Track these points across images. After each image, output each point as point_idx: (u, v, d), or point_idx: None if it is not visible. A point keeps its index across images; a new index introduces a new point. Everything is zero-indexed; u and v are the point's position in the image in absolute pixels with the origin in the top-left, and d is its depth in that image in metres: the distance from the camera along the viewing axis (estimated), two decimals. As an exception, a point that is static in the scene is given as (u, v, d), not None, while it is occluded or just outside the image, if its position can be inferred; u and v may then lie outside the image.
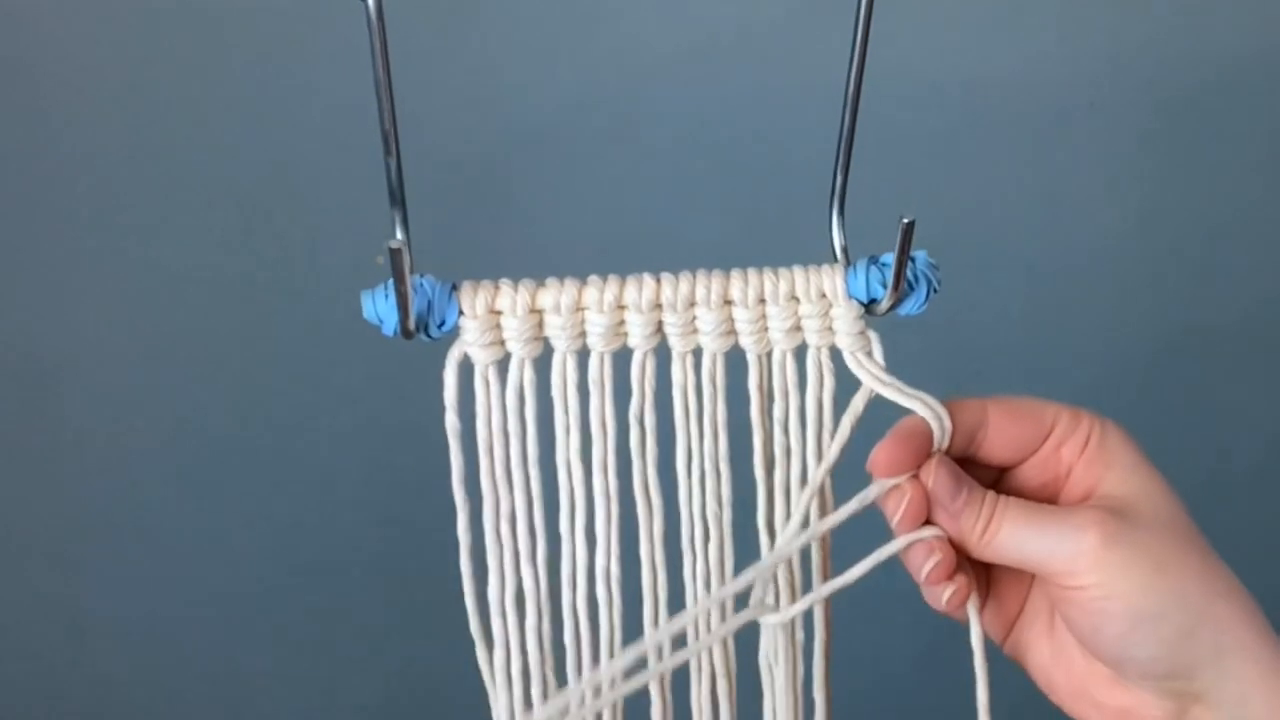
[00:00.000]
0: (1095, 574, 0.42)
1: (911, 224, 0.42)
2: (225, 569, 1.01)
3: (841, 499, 0.47)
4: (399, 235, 0.43)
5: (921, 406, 0.44)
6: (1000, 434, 0.45)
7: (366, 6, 0.41)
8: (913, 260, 0.44)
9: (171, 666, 1.04)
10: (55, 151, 0.89)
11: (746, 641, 0.48)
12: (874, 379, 0.45)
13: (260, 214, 0.92)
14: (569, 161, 0.92)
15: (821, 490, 0.47)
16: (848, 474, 0.47)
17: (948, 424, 0.44)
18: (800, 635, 0.47)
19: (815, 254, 0.46)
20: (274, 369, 0.96)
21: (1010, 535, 0.43)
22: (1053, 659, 0.47)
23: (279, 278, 0.94)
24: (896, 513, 0.44)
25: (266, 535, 1.01)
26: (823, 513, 0.46)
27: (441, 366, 0.45)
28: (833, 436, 0.46)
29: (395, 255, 0.41)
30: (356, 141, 0.82)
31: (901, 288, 0.44)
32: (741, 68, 0.91)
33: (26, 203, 0.90)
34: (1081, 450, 0.45)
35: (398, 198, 0.44)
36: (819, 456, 0.46)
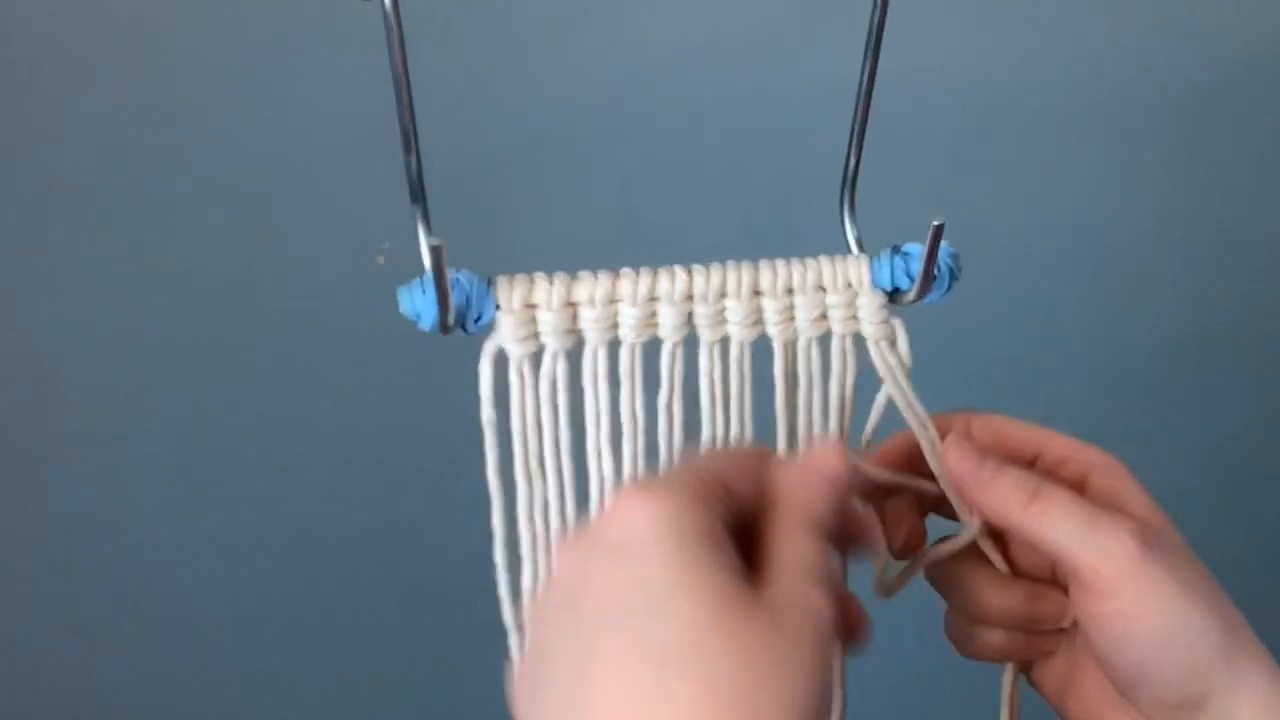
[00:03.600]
0: (1130, 584, 0.41)
1: (941, 226, 0.44)
2: (226, 569, 1.01)
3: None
4: (421, 232, 0.44)
5: (916, 424, 0.46)
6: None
7: (383, 4, 0.41)
8: (935, 252, 0.45)
9: (172, 667, 1.04)
10: (55, 151, 0.89)
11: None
12: (890, 375, 0.46)
13: (260, 213, 0.92)
14: (573, 161, 0.93)
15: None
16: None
17: (938, 443, 0.46)
18: None
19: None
20: (274, 368, 0.96)
21: (1061, 517, 0.43)
22: (1064, 682, 0.47)
23: (280, 277, 0.94)
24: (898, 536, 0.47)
25: (267, 535, 1.01)
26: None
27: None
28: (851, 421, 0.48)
29: (436, 252, 0.42)
30: (359, 140, 0.82)
31: (928, 284, 0.45)
32: (749, 67, 0.91)
33: (25, 202, 0.90)
34: (1080, 480, 0.45)
35: (419, 194, 0.44)
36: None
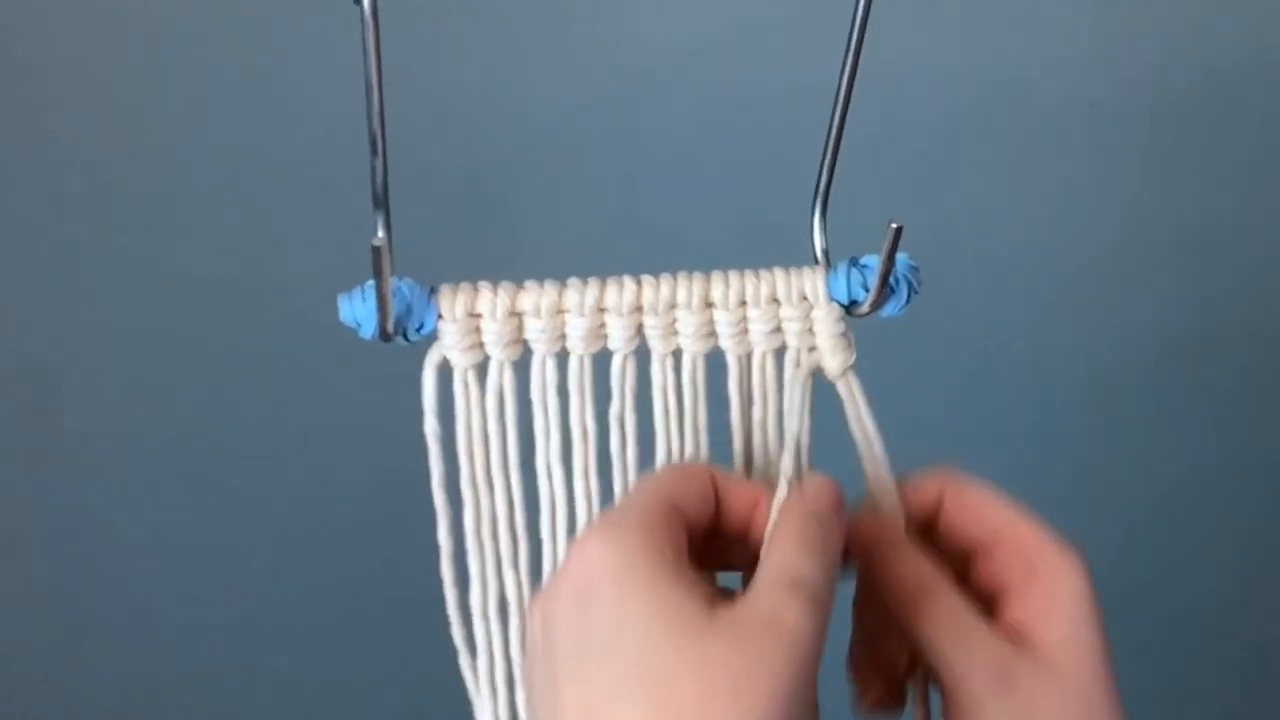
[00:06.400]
0: (973, 714, 0.40)
1: (900, 229, 0.42)
2: (225, 568, 1.01)
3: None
4: (381, 236, 0.43)
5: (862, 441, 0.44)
6: (950, 528, 0.44)
7: (362, 7, 0.41)
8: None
9: (172, 667, 1.04)
10: (54, 152, 0.89)
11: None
12: (851, 398, 0.44)
13: (260, 214, 0.92)
14: (566, 163, 0.92)
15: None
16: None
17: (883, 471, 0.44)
18: None
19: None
20: (274, 369, 0.96)
21: (931, 631, 0.41)
22: None
23: (280, 278, 0.93)
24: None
25: (266, 534, 1.01)
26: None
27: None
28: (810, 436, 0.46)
29: (377, 254, 0.41)
30: (357, 143, 0.81)
31: (884, 292, 0.43)
32: (741, 68, 0.90)
33: (25, 203, 0.90)
34: (1027, 579, 0.42)
35: (381, 199, 0.44)
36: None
